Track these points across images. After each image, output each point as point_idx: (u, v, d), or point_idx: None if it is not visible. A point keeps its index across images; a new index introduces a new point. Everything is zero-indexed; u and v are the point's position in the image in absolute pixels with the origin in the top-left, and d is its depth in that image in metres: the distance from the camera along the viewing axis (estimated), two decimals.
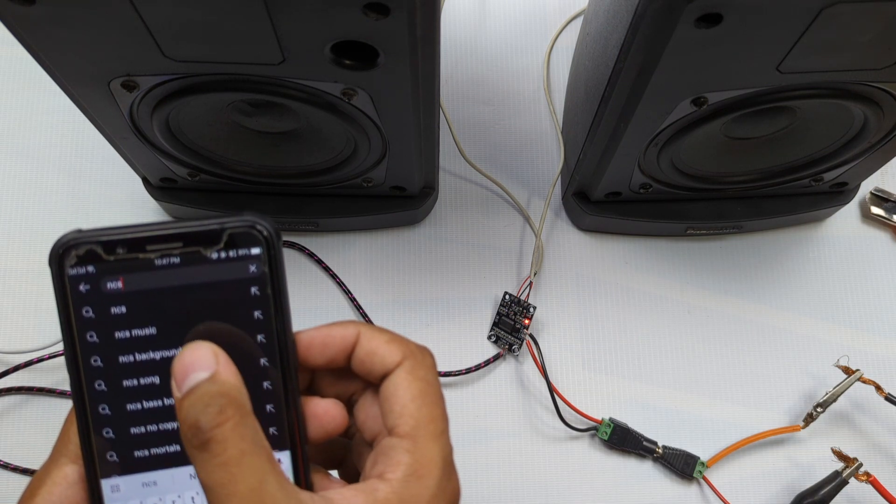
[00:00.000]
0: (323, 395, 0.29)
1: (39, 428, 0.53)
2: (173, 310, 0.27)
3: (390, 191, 0.54)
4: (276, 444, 0.27)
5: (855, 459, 0.51)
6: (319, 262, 0.58)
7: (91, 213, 0.58)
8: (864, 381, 0.53)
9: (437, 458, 0.27)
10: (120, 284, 0.26)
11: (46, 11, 0.32)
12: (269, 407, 0.27)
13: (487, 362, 0.56)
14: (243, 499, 0.24)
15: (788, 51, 0.37)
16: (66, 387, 0.54)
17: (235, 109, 0.44)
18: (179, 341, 0.27)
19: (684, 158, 0.50)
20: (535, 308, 0.56)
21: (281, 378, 0.27)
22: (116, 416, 0.27)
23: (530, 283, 0.57)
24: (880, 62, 0.39)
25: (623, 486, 0.55)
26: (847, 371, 0.53)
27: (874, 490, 0.51)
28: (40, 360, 0.53)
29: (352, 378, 0.30)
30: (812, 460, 0.55)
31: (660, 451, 0.54)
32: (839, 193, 0.57)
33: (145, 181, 0.54)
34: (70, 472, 0.27)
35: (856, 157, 0.50)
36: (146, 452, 0.27)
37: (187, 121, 0.44)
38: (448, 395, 0.55)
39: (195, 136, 0.46)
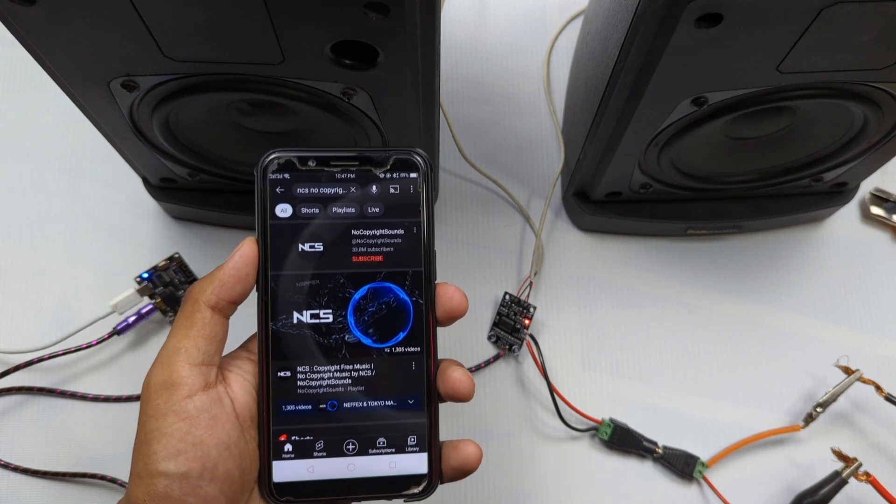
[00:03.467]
0: None
1: (39, 428, 0.53)
2: (347, 213, 0.34)
3: None
4: (416, 332, 0.35)
5: (855, 459, 0.51)
6: None
7: (91, 213, 0.58)
8: (864, 381, 0.53)
9: None
10: (307, 189, 0.34)
11: (46, 11, 0.32)
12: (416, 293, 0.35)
13: (487, 362, 0.56)
14: None
15: (788, 51, 0.37)
16: (66, 387, 0.54)
17: (235, 109, 0.44)
18: (347, 236, 0.34)
19: (684, 158, 0.50)
20: (535, 308, 0.56)
21: (424, 276, 0.34)
22: (288, 283, 0.34)
23: (530, 283, 0.57)
24: (880, 62, 0.39)
25: (623, 486, 0.55)
26: (847, 371, 0.53)
27: (874, 490, 0.51)
28: (40, 360, 0.53)
29: None
30: (812, 460, 0.55)
31: (660, 451, 0.54)
32: (839, 193, 0.58)
33: (145, 181, 0.54)
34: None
35: (856, 157, 0.50)
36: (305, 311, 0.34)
37: (187, 121, 0.44)
38: None
39: (195, 136, 0.46)
